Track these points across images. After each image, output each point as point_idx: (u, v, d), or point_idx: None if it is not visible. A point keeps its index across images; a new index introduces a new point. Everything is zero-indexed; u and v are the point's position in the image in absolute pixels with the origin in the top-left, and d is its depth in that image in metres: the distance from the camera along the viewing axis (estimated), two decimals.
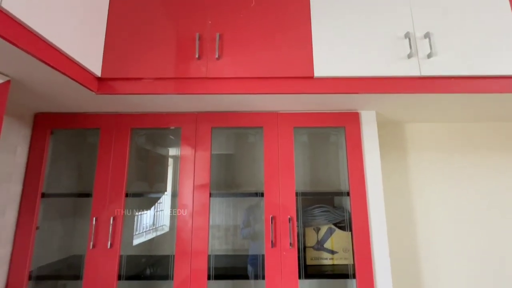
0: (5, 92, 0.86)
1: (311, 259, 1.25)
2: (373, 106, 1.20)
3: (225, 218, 1.47)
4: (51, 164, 1.26)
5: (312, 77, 1.04)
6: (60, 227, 1.38)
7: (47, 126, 1.23)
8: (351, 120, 1.23)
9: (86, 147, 1.45)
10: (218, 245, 1.44)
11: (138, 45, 1.05)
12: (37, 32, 0.75)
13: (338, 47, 1.05)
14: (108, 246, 1.12)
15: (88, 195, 1.19)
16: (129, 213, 1.36)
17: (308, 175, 1.44)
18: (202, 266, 1.11)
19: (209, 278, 1.12)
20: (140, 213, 1.54)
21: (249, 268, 1.29)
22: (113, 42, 1.05)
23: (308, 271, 1.20)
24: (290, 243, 1.12)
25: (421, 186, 1.46)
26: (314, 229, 1.29)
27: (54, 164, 1.29)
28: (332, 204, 1.38)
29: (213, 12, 1.08)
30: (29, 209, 1.16)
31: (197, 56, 1.02)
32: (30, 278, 1.12)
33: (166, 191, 1.45)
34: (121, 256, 1.15)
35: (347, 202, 1.25)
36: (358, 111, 1.24)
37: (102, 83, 1.01)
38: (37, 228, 1.17)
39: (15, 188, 1.16)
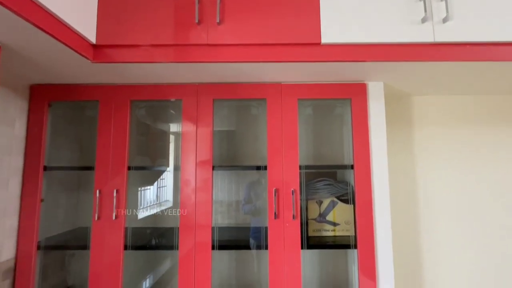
0: None
1: (313, 230, 1.27)
2: (381, 77, 1.15)
3: (228, 194, 1.48)
4: (51, 137, 1.24)
5: (319, 44, 0.98)
6: (65, 200, 1.39)
7: (45, 98, 1.20)
8: (358, 92, 1.18)
9: (85, 120, 1.42)
10: (221, 220, 1.47)
11: (134, 10, 0.99)
12: None
13: (347, 11, 0.98)
14: (113, 218, 1.13)
15: (90, 168, 1.18)
16: (132, 187, 1.37)
17: (311, 149, 1.43)
18: (206, 239, 1.13)
19: (213, 248, 1.14)
20: (143, 188, 1.55)
21: (252, 241, 1.32)
22: (107, 7, 0.98)
23: (310, 241, 1.22)
24: (293, 215, 1.12)
25: (426, 162, 1.45)
26: (316, 202, 1.29)
27: (54, 138, 1.27)
28: (335, 178, 1.37)
29: None
30: (32, 182, 1.16)
31: (196, 20, 0.96)
32: (38, 248, 1.15)
33: (168, 166, 1.44)
34: (126, 228, 1.17)
35: (350, 176, 1.25)
36: (366, 82, 1.19)
37: (97, 51, 0.96)
38: (41, 200, 1.18)
39: (17, 161, 1.15)
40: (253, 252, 1.43)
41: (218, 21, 0.96)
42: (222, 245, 1.18)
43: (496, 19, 0.96)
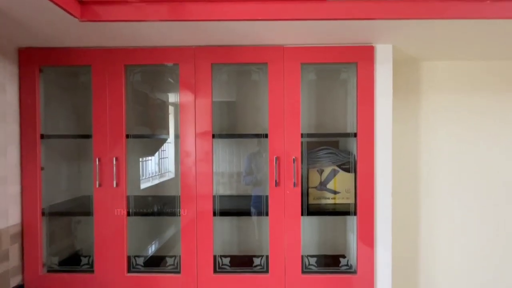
0: None
1: (314, 198, 1.28)
2: (390, 38, 1.08)
3: (229, 166, 1.47)
4: (46, 105, 1.21)
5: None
6: (66, 169, 1.40)
7: (35, 62, 1.14)
8: (365, 55, 1.12)
9: (80, 87, 1.38)
10: (223, 191, 1.47)
11: None
12: None
13: None
14: (114, 185, 1.13)
15: (88, 136, 1.16)
16: (133, 157, 1.36)
17: (314, 116, 1.39)
18: (207, 208, 1.14)
19: (214, 215, 1.16)
20: (145, 159, 1.54)
21: (253, 210, 1.33)
22: None
23: (310, 209, 1.23)
24: (294, 183, 1.12)
25: (432, 130, 1.41)
26: (317, 170, 1.29)
27: (49, 105, 1.24)
28: (337, 147, 1.35)
29: None
30: (30, 150, 1.15)
31: None
32: (43, 214, 1.17)
33: (168, 135, 1.42)
34: (129, 197, 1.18)
35: (353, 145, 1.22)
36: (373, 45, 1.12)
37: (85, 8, 0.89)
38: (42, 168, 1.18)
39: (12, 129, 1.13)
40: (254, 219, 1.46)
41: None
42: (224, 212, 1.20)
43: None
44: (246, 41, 1.09)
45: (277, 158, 1.12)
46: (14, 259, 1.13)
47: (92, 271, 1.16)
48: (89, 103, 1.15)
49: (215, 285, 1.15)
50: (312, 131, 1.36)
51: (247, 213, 1.29)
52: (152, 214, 1.28)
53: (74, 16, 0.88)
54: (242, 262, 1.23)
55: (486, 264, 1.42)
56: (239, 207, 1.35)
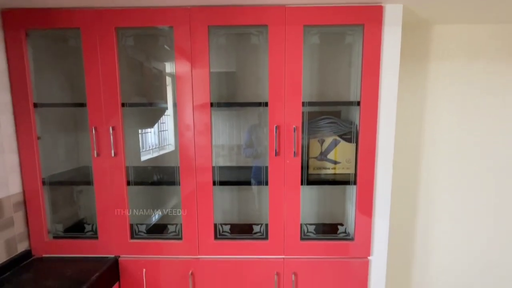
0: None
1: (314, 168, 1.27)
2: None
3: (229, 138, 1.45)
4: (37, 73, 1.16)
5: None
6: (63, 139, 1.38)
7: (20, 25, 1.07)
8: (373, 17, 1.04)
9: (70, 53, 1.31)
10: (223, 163, 1.47)
11: None
12: None
13: None
14: (112, 155, 1.12)
15: (82, 104, 1.13)
16: (131, 127, 1.33)
17: (316, 83, 1.34)
18: (207, 179, 1.14)
19: (214, 184, 1.16)
20: (144, 131, 1.52)
21: (252, 181, 1.34)
22: None
23: (310, 179, 1.23)
24: (294, 152, 1.10)
25: (438, 99, 1.36)
26: (318, 140, 1.26)
27: (40, 73, 1.18)
28: (339, 117, 1.32)
29: None
30: (24, 119, 1.12)
31: None
32: (44, 183, 1.18)
33: (166, 103, 1.38)
34: (129, 167, 1.18)
35: (355, 114, 1.19)
36: (382, 5, 1.04)
37: None
38: (38, 138, 1.16)
39: (4, 97, 1.09)
40: (254, 189, 1.47)
41: None
42: (223, 181, 1.20)
43: None
44: (245, 0, 1.01)
45: (277, 127, 1.09)
46: (19, 226, 1.16)
47: (96, 238, 1.19)
48: (81, 70, 1.10)
49: (216, 251, 1.18)
50: (314, 99, 1.32)
51: (247, 183, 1.29)
52: (153, 183, 1.29)
53: None
54: (242, 230, 1.26)
55: (486, 228, 1.45)
56: (239, 177, 1.36)
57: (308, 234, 1.23)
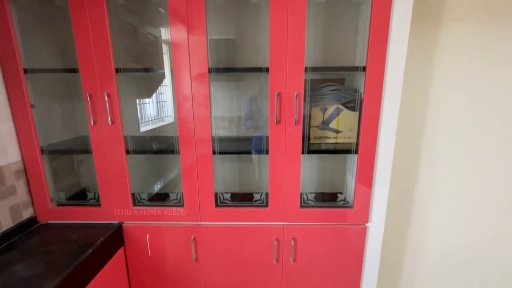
0: None
1: (315, 138, 1.25)
2: None
3: (229, 110, 1.41)
4: (24, 37, 1.09)
5: None
6: (59, 107, 1.35)
7: None
8: None
9: (58, 13, 1.23)
10: (223, 134, 1.44)
11: None
12: None
13: None
14: (109, 123, 1.10)
15: (75, 70, 1.08)
16: (128, 96, 1.29)
17: (320, 47, 1.27)
18: (206, 149, 1.12)
19: (214, 153, 1.15)
20: (142, 101, 1.49)
21: (253, 152, 1.32)
22: None
23: (311, 148, 1.22)
24: (296, 120, 1.08)
25: (448, 67, 1.30)
26: (321, 109, 1.23)
27: (28, 37, 1.12)
28: (343, 85, 1.27)
29: None
30: (15, 85, 1.08)
31: None
32: (42, 152, 1.17)
33: (163, 69, 1.32)
34: (128, 137, 1.16)
35: (360, 82, 1.14)
36: None
37: None
38: (32, 106, 1.13)
39: None
40: (255, 159, 1.47)
41: None
42: (223, 151, 1.19)
43: None
44: None
45: (279, 94, 1.05)
46: (22, 193, 1.17)
47: (99, 205, 1.21)
48: (70, 33, 1.04)
49: (217, 217, 1.21)
50: (318, 65, 1.26)
51: (247, 152, 1.28)
52: (152, 152, 1.28)
53: None
54: (243, 198, 1.27)
55: (487, 194, 1.46)
56: (239, 149, 1.34)
57: (308, 202, 1.25)
